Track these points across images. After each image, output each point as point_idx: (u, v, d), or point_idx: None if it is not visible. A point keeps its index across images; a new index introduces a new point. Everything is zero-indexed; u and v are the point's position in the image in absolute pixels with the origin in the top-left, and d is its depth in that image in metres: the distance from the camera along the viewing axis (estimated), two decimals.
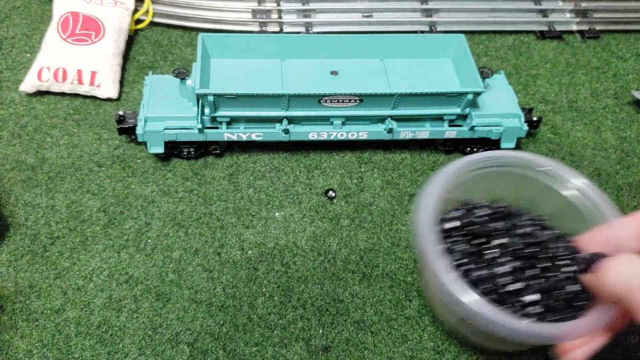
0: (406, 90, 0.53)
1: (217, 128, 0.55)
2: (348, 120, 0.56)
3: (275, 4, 0.74)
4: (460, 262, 0.36)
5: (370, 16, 0.74)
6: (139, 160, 0.57)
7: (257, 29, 0.72)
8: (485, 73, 0.56)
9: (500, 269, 0.36)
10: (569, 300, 0.36)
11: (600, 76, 0.71)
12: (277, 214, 0.53)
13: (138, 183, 0.55)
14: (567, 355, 0.34)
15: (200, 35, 0.56)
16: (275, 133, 0.55)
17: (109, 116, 0.61)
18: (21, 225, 0.51)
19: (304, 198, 0.55)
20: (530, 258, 0.38)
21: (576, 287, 0.35)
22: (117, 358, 0.43)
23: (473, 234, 0.38)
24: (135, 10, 0.69)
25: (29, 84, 0.61)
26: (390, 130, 0.55)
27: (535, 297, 0.35)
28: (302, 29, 0.73)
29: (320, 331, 0.45)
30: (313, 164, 0.58)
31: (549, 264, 0.37)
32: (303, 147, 0.59)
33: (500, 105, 0.58)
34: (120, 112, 0.55)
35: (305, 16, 0.74)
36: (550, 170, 0.41)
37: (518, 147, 0.60)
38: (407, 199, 0.55)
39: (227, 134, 0.55)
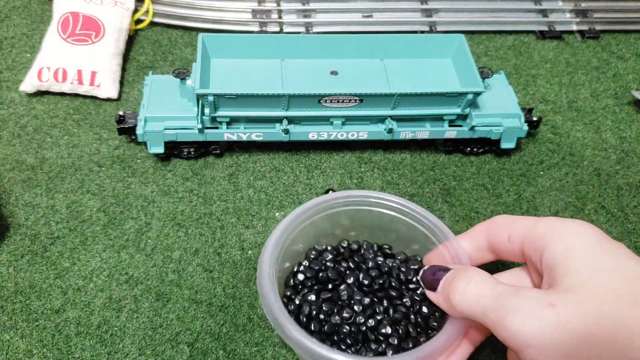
0: (406, 90, 0.53)
1: (217, 128, 0.55)
2: (348, 120, 0.56)
3: (275, 4, 0.74)
4: (315, 312, 0.37)
5: (370, 16, 0.74)
6: (139, 160, 0.57)
7: (257, 29, 0.72)
8: (485, 73, 0.56)
9: (356, 308, 0.37)
10: (425, 320, 0.37)
11: (600, 76, 0.71)
12: (277, 214, 0.53)
13: (138, 183, 0.55)
14: None
15: (200, 35, 0.55)
16: (275, 133, 0.55)
17: (109, 116, 0.61)
18: (21, 225, 0.51)
19: (304, 198, 0.55)
20: (382, 289, 0.39)
21: (426, 309, 0.37)
22: (117, 358, 0.43)
23: (327, 279, 0.39)
24: (135, 10, 0.69)
25: (29, 84, 0.61)
26: (390, 130, 0.55)
27: (388, 330, 0.36)
28: (302, 29, 0.73)
29: None
30: (313, 164, 0.58)
31: (395, 294, 0.38)
32: (303, 147, 0.59)
33: (500, 105, 0.58)
34: (120, 112, 0.55)
35: (305, 16, 0.74)
36: (382, 202, 0.42)
37: (518, 147, 0.60)
38: (407, 199, 0.55)
39: (227, 134, 0.55)
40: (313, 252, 0.41)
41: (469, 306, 0.30)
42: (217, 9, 0.72)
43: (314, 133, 0.56)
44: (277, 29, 0.73)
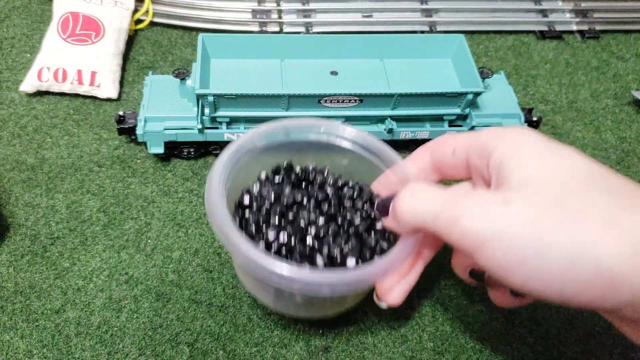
0: (406, 91, 0.53)
1: (217, 128, 0.55)
2: (348, 120, 0.56)
3: (275, 4, 0.74)
4: (274, 236, 0.36)
5: (370, 16, 0.74)
6: (139, 160, 0.57)
7: (257, 29, 0.72)
8: (485, 73, 0.56)
9: (311, 230, 0.36)
10: (380, 247, 0.37)
11: (600, 76, 0.71)
12: None
13: (138, 183, 0.55)
14: (387, 298, 0.34)
15: (200, 35, 0.56)
16: None
17: (109, 116, 0.61)
18: (21, 225, 0.51)
19: None
20: (334, 217, 0.38)
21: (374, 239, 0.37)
22: (117, 358, 0.43)
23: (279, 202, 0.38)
24: (135, 10, 0.69)
25: (29, 84, 0.61)
26: (390, 130, 0.55)
27: (352, 260, 0.35)
28: (302, 29, 0.73)
29: (320, 331, 0.45)
30: None
31: (349, 216, 0.38)
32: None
33: (500, 106, 0.58)
34: (120, 112, 0.55)
35: (305, 16, 0.74)
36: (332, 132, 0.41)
37: None
38: None
39: (227, 134, 0.55)
40: (263, 174, 0.41)
41: (417, 214, 0.30)
42: (217, 9, 0.72)
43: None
44: (277, 29, 0.73)
